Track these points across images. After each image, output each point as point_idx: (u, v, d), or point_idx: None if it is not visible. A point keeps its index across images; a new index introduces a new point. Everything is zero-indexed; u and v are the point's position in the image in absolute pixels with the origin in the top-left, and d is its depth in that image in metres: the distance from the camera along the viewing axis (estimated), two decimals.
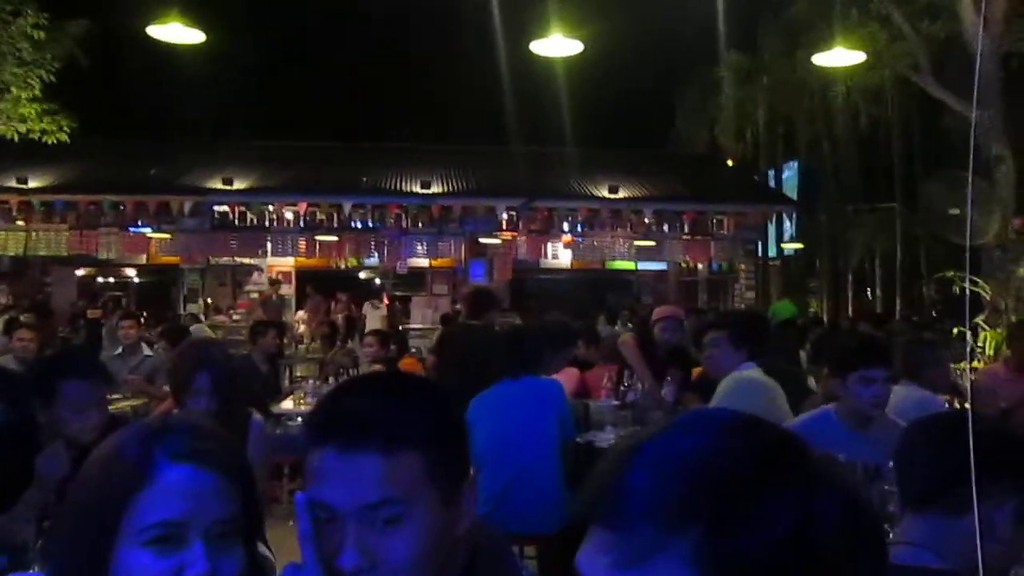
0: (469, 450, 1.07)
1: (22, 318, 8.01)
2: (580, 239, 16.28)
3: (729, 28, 16.74)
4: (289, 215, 16.02)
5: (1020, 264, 8.28)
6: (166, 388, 3.95)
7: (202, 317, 13.93)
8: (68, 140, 11.48)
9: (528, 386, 3.80)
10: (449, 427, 1.06)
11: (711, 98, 19.78)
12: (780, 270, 19.47)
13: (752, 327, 4.23)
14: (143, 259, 16.87)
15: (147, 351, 6.62)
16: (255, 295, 16.25)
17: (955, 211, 8.75)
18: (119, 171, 15.67)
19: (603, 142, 18.16)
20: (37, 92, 10.94)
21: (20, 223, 15.38)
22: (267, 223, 15.98)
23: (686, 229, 16.28)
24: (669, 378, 4.73)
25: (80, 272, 18.18)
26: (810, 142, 19.49)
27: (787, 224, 20.44)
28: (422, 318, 16.52)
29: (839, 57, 8.83)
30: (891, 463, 1.78)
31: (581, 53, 7.50)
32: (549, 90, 15.66)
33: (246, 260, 16.77)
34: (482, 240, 16.12)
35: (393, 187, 16.05)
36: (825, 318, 15.04)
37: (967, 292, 8.14)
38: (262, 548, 1.32)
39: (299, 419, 5.70)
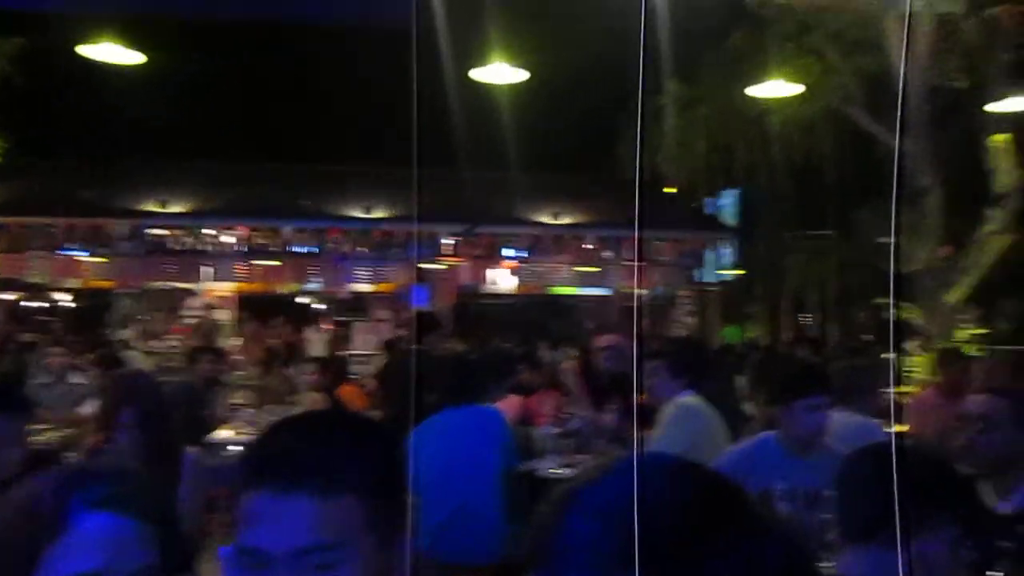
0: (407, 491, 1.04)
1: None
2: (523, 264, 16.32)
3: (671, 58, 17.03)
4: (228, 239, 15.75)
5: (947, 290, 8.54)
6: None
7: (135, 343, 13.56)
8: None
9: (470, 415, 3.77)
10: (387, 470, 1.02)
11: (653, 126, 20.07)
12: (718, 296, 19.74)
13: (690, 355, 4.27)
14: (75, 283, 16.39)
15: (76, 378, 6.41)
16: (192, 320, 15.89)
17: (884, 239, 9.01)
18: (51, 192, 15.25)
19: (547, 168, 18.27)
20: None
21: None
22: (205, 247, 15.68)
23: (628, 255, 16.44)
24: (611, 405, 4.74)
25: (8, 296, 17.58)
26: (748, 170, 19.87)
27: (725, 250, 20.77)
28: (364, 343, 16.35)
29: (775, 89, 9.07)
30: (828, 492, 1.80)
31: (526, 80, 7.58)
32: (492, 115, 15.71)
33: (182, 284, 16.40)
34: (424, 265, 16.05)
35: (334, 211, 15.91)
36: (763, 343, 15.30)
37: (891, 319, 8.37)
38: None
39: (236, 448, 5.57)
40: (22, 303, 18.53)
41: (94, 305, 17.99)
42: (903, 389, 7.75)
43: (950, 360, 6.24)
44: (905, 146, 9.54)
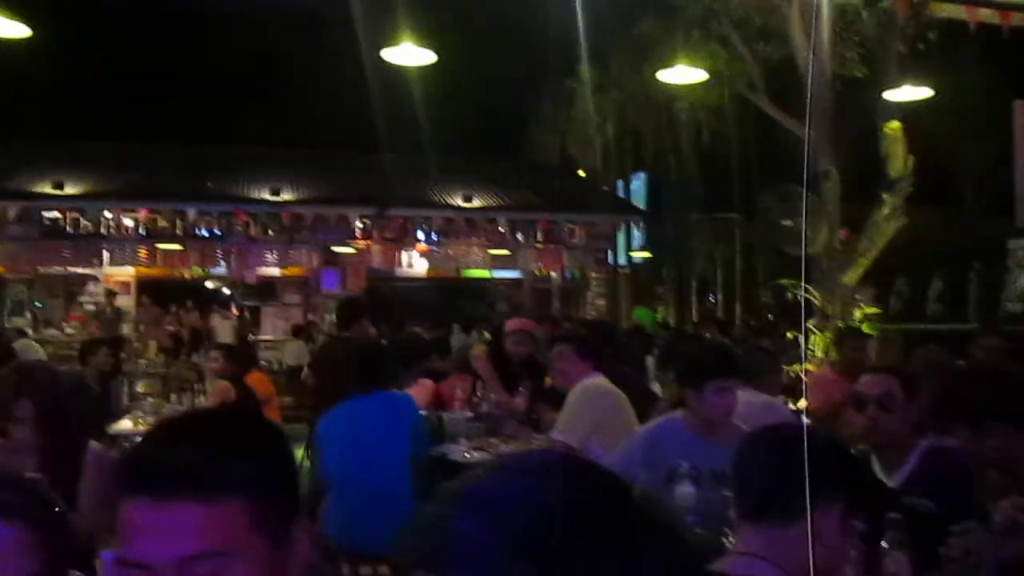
0: (298, 490, 1.02)
1: None
2: (435, 248, 16.25)
3: (582, 42, 17.16)
4: (128, 222, 15.18)
5: (845, 272, 8.86)
6: None
7: (29, 331, 12.96)
8: None
9: (379, 401, 3.73)
10: (275, 470, 0.99)
11: (563, 110, 20.22)
12: (629, 278, 20.08)
13: (596, 337, 4.32)
14: None
15: None
16: (90, 307, 15.28)
17: (787, 222, 9.28)
18: None
19: (458, 151, 18.21)
20: None
21: None
22: (103, 231, 15.07)
23: (539, 238, 16.55)
24: (521, 389, 4.77)
25: None
26: (657, 154, 20.24)
27: (635, 233, 21.13)
28: (273, 329, 16.05)
29: (682, 74, 9.22)
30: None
31: (436, 62, 7.50)
32: (403, 98, 15.55)
33: (80, 270, 15.73)
34: (335, 249, 15.82)
35: (241, 194, 15.50)
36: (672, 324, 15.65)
37: (802, 299, 8.65)
38: None
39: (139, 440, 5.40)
40: None
41: None
42: (805, 367, 8.03)
43: (847, 339, 6.49)
44: (804, 133, 9.86)
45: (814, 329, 8.66)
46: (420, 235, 16.09)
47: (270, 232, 15.53)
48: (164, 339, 13.71)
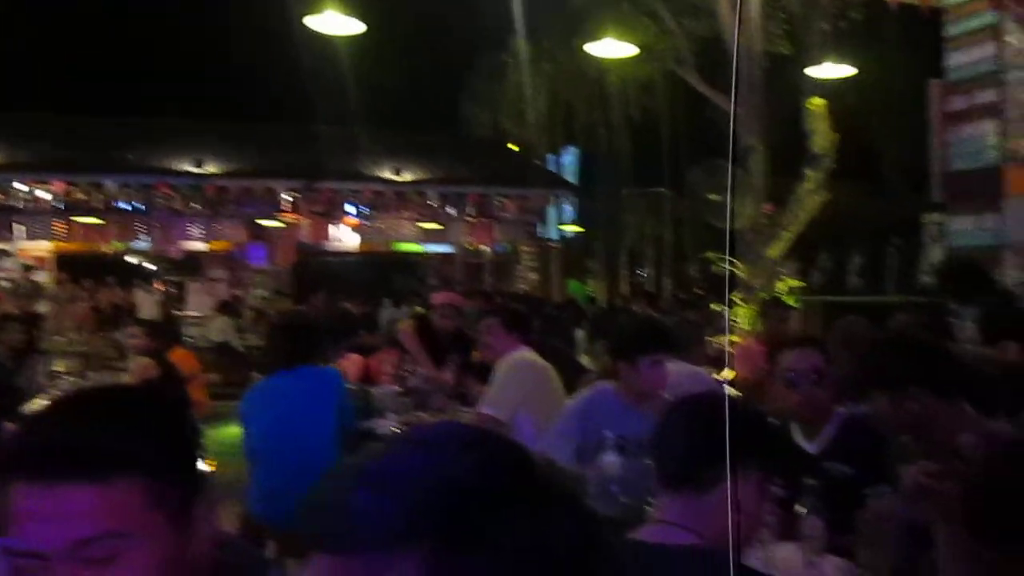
0: (197, 465, 0.98)
1: None
2: (365, 221, 16.07)
3: (514, 14, 17.05)
4: (43, 195, 14.61)
5: (769, 247, 9.05)
6: None
7: None
8: None
9: (304, 376, 3.67)
10: (171, 446, 0.95)
11: (496, 83, 20.09)
12: (560, 252, 20.17)
13: (523, 311, 4.33)
14: None
15: None
16: (4, 283, 14.70)
17: (714, 196, 9.42)
18: None
19: (388, 123, 17.96)
20: None
21: None
22: (17, 204, 14.49)
23: (471, 212, 16.50)
24: (450, 363, 4.76)
25: None
26: (588, 129, 20.27)
27: (567, 207, 21.21)
28: (198, 305, 15.68)
29: (612, 48, 9.23)
30: None
31: (364, 32, 7.36)
32: (332, 68, 15.25)
33: None
34: (262, 222, 15.50)
35: (163, 165, 15.05)
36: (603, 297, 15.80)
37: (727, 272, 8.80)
38: None
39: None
40: None
41: None
42: (730, 339, 8.20)
43: (770, 310, 6.64)
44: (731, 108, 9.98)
45: (739, 301, 8.84)
46: (350, 208, 15.88)
47: (194, 205, 15.13)
48: (84, 315, 13.28)
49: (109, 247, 15.51)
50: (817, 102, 9.07)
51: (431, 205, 16.23)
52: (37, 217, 14.61)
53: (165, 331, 7.46)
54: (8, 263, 15.33)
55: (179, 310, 15.03)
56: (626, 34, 9.43)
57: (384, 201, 16.01)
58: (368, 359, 5.44)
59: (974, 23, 6.81)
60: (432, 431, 0.69)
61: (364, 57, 15.53)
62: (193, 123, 16.52)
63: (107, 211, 14.73)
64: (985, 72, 6.71)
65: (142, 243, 15.49)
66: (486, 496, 0.59)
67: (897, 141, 15.21)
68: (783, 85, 9.98)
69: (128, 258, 17.19)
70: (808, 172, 9.01)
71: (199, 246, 15.92)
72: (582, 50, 10.14)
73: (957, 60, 6.99)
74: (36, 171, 14.48)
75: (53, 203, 14.61)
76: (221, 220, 15.37)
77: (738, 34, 9.35)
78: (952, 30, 7.02)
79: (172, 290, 16.10)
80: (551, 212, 19.72)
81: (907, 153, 13.47)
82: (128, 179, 14.82)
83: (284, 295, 14.88)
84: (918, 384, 2.35)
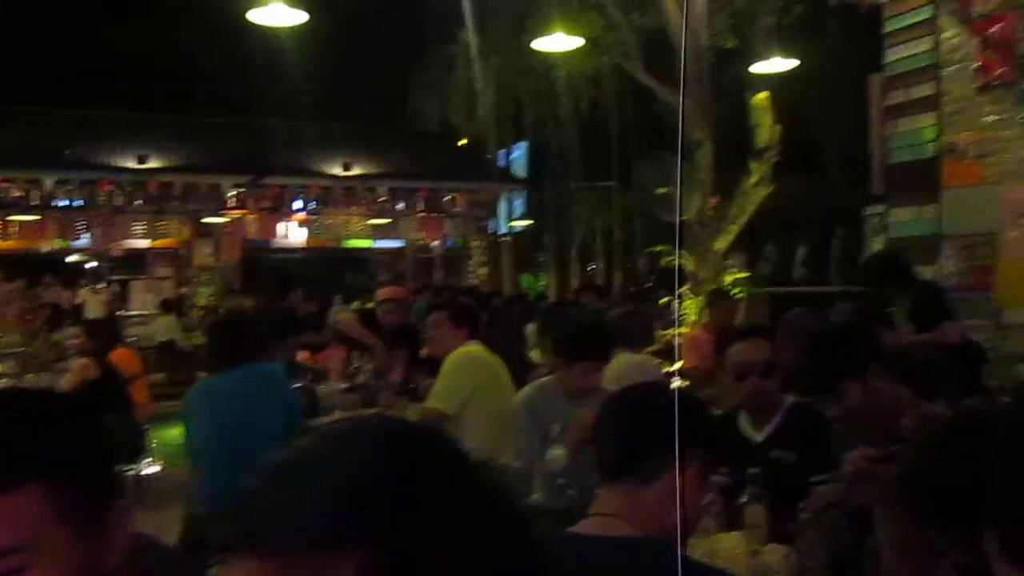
0: (112, 470, 0.93)
1: None
2: (314, 217, 15.88)
3: (463, 8, 17.01)
4: None
5: (716, 239, 9.15)
6: None
7: None
8: None
9: (248, 375, 3.60)
10: (79, 452, 0.90)
11: (444, 76, 20.00)
12: (511, 246, 20.19)
13: (472, 305, 4.32)
14: None
15: None
16: None
17: (662, 189, 9.49)
18: None
19: (337, 118, 17.77)
20: None
21: None
22: None
23: (420, 206, 16.41)
24: (397, 357, 4.73)
25: None
26: (537, 123, 20.30)
27: (517, 201, 21.23)
28: (142, 303, 15.35)
29: (559, 42, 9.24)
30: None
31: (309, 23, 7.25)
32: (278, 60, 15.02)
33: None
34: (207, 219, 15.23)
35: (103, 161, 14.68)
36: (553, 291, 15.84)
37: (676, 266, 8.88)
38: None
39: None
40: None
41: None
42: (678, 330, 8.28)
43: (717, 301, 6.71)
44: (678, 102, 10.06)
45: (688, 293, 8.93)
46: (298, 204, 15.67)
47: (137, 202, 14.80)
48: (21, 316, 12.91)
49: (48, 245, 15.10)
50: (762, 96, 9.19)
51: (381, 200, 16.09)
52: None
53: (106, 331, 7.28)
54: None
55: (122, 309, 14.71)
56: (574, 28, 9.44)
57: (333, 196, 15.83)
58: (315, 356, 5.37)
59: (912, 18, 6.94)
60: (359, 426, 0.67)
61: (311, 50, 15.35)
62: (135, 117, 16.13)
63: (45, 208, 14.33)
64: (922, 66, 6.85)
65: (83, 241, 15.10)
66: (414, 491, 0.58)
67: (839, 134, 15.51)
68: (730, 79, 10.08)
69: (70, 256, 16.77)
70: (753, 165, 9.13)
71: (143, 243, 15.57)
72: (530, 44, 10.13)
73: (896, 54, 7.13)
74: None
75: None
76: (165, 217, 15.06)
77: (686, 28, 9.44)
78: (891, 25, 7.15)
79: (115, 289, 15.74)
80: (501, 206, 19.71)
81: (849, 146, 13.75)
82: (68, 175, 14.43)
83: (231, 292, 14.65)
84: (853, 375, 2.39)
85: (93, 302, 14.11)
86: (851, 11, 7.88)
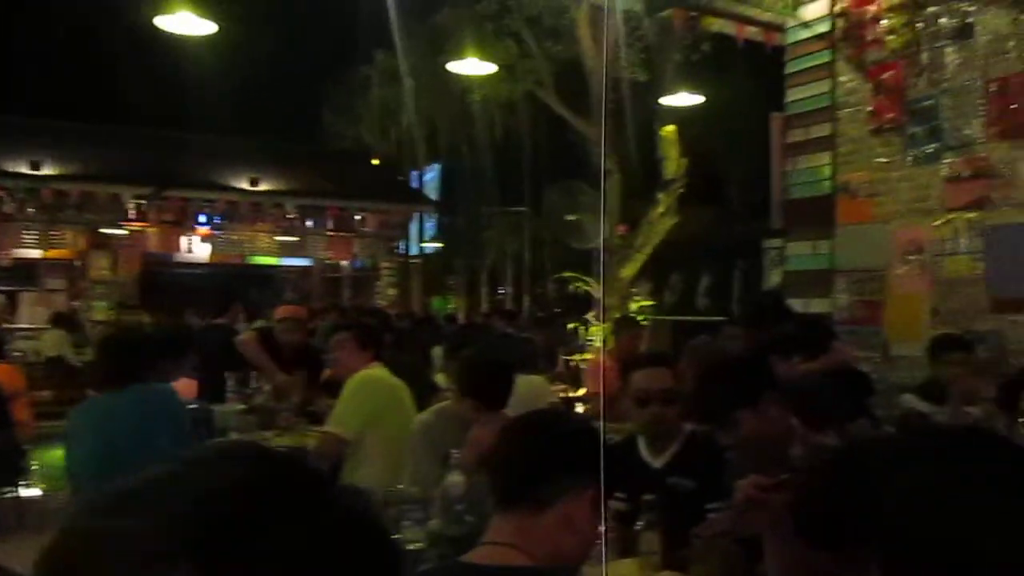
0: None
1: None
2: (218, 232, 15.46)
3: (378, 28, 16.91)
4: None
5: (623, 266, 9.31)
6: None
7: None
8: None
9: (135, 396, 3.43)
10: None
11: (358, 96, 19.86)
12: (421, 268, 20.10)
13: (376, 326, 4.27)
14: None
15: None
16: None
17: (572, 217, 9.61)
18: None
19: (244, 131, 17.40)
20: None
21: None
22: None
23: (330, 225, 16.18)
24: (297, 378, 4.61)
25: None
26: (451, 146, 20.34)
27: (428, 224, 21.18)
28: (32, 316, 14.62)
29: (474, 67, 9.30)
30: None
31: (220, 34, 7.11)
32: (184, 70, 14.63)
33: None
34: (105, 231, 14.65)
35: None
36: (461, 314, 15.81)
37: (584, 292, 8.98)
38: None
39: None
40: None
41: None
42: (583, 356, 8.36)
43: (623, 328, 6.80)
44: (589, 131, 10.25)
45: (594, 320, 9.04)
46: (202, 218, 15.23)
47: (29, 210, 14.14)
48: None
49: None
50: (669, 129, 9.43)
51: (289, 217, 15.80)
52: None
53: None
54: None
55: (9, 322, 13.98)
56: (489, 54, 9.53)
57: (239, 212, 15.45)
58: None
59: (812, 61, 7.24)
60: (202, 451, 0.66)
61: (223, 64, 15.03)
62: (30, 121, 15.42)
63: None
64: (821, 107, 7.15)
65: None
66: (257, 515, 0.56)
67: (743, 169, 16.04)
68: (639, 111, 10.32)
69: None
70: (660, 195, 9.34)
71: (34, 253, 14.85)
72: (446, 67, 10.16)
73: (796, 95, 7.42)
74: None
75: None
76: (59, 226, 14.42)
77: (604, 59, 9.63)
78: (792, 67, 7.44)
79: (2, 300, 14.96)
80: (412, 228, 19.62)
81: (752, 180, 14.21)
82: None
83: (129, 307, 14.10)
84: (752, 401, 2.44)
85: None
86: (757, 51, 8.18)
